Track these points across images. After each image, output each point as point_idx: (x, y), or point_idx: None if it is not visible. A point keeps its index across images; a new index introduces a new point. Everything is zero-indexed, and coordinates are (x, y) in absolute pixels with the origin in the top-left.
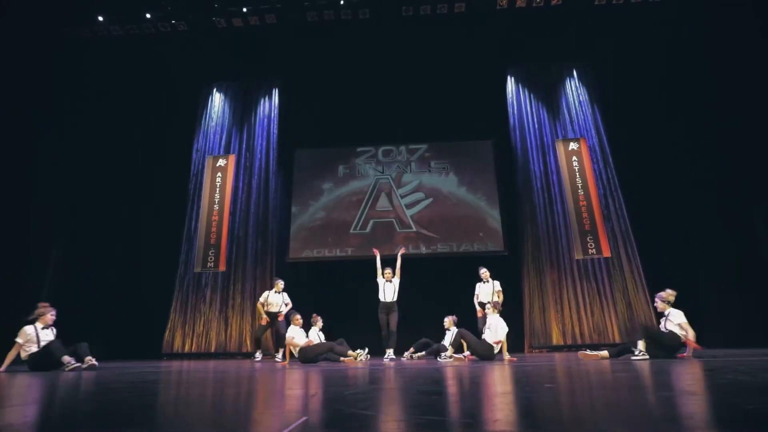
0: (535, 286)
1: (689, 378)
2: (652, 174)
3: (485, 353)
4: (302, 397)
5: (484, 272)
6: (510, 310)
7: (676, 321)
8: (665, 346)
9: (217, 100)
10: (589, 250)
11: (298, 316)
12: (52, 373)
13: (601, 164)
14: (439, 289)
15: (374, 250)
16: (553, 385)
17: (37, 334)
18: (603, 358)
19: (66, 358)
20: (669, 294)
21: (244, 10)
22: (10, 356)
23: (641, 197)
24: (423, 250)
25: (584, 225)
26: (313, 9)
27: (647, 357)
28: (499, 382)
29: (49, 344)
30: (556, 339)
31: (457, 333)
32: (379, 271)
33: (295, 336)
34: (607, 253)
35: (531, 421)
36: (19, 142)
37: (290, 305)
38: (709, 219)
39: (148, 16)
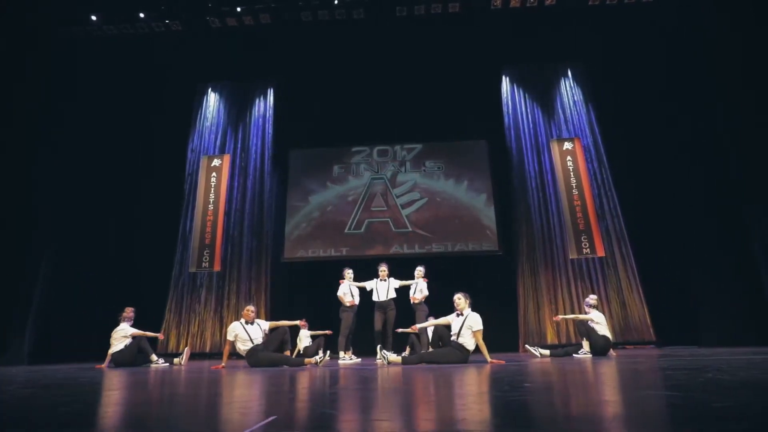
0: (529, 286)
1: (667, 377)
2: (647, 174)
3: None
4: (277, 396)
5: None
6: (505, 309)
7: (602, 322)
8: (599, 347)
9: (212, 100)
10: (584, 250)
11: (250, 308)
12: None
13: (596, 164)
14: (433, 289)
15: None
16: (531, 384)
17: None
18: (543, 356)
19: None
20: (593, 299)
21: (238, 9)
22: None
23: (636, 197)
24: (417, 249)
25: (579, 224)
26: (308, 9)
27: (590, 354)
28: (480, 381)
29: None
30: (550, 338)
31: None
32: (362, 286)
33: (238, 332)
34: (601, 252)
35: (501, 421)
36: (16, 141)
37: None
38: (705, 219)
39: (141, 15)
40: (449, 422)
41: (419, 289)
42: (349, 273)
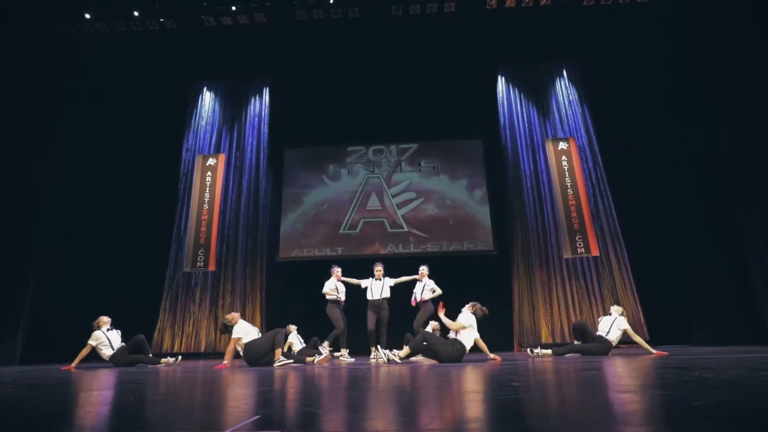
0: (524, 285)
1: (653, 376)
2: (641, 174)
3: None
4: (261, 396)
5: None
6: (500, 309)
7: (622, 327)
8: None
9: (208, 99)
10: (578, 249)
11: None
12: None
13: (591, 164)
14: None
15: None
16: (519, 383)
17: (107, 337)
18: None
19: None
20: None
21: (233, 8)
22: (82, 355)
23: (630, 197)
24: (413, 249)
25: (573, 224)
26: (303, 7)
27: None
28: (472, 380)
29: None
30: (545, 337)
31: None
32: (354, 282)
33: (246, 333)
34: (595, 251)
35: (484, 419)
36: (11, 141)
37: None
38: (699, 219)
39: (136, 13)
40: (433, 421)
41: (428, 288)
42: (337, 270)
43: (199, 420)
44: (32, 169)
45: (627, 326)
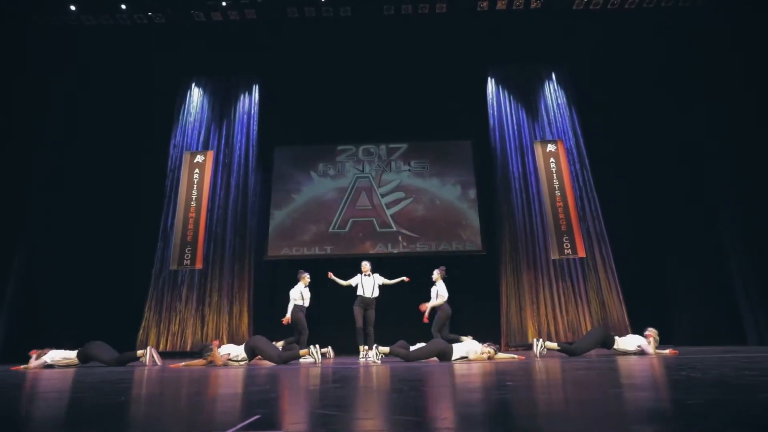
0: (512, 286)
1: (642, 376)
2: (627, 176)
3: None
4: (258, 395)
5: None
6: (487, 308)
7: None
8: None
9: (196, 95)
10: (565, 251)
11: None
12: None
13: (578, 166)
14: (417, 288)
15: (329, 273)
16: (512, 383)
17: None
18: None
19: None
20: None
21: (224, 4)
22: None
23: (616, 199)
24: (402, 249)
25: (561, 226)
26: (294, 5)
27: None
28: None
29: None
30: (531, 338)
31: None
32: (343, 283)
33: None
34: (582, 253)
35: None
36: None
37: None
38: (682, 222)
39: (123, 7)
40: (425, 420)
41: (438, 293)
42: (305, 276)
43: (199, 420)
44: (19, 167)
45: (650, 350)
